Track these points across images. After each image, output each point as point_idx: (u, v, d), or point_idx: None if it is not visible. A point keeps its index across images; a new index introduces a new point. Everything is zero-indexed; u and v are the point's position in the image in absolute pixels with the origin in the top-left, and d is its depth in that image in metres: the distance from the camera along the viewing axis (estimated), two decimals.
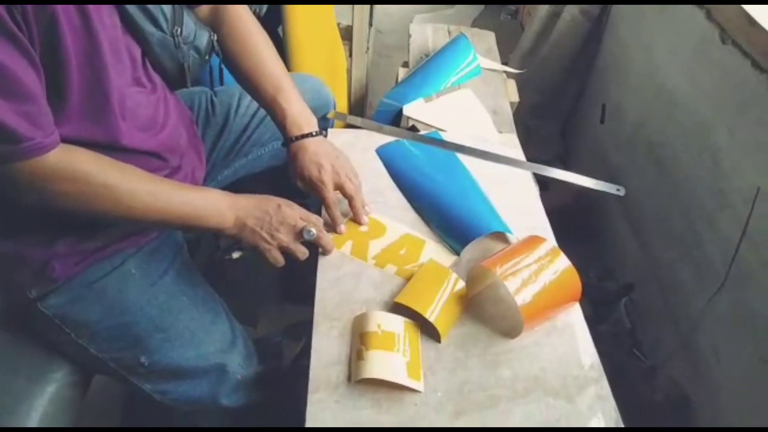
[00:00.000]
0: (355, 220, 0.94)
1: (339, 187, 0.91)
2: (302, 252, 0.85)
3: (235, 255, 0.87)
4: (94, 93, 0.72)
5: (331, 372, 0.74)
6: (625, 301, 1.44)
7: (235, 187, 1.15)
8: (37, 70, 0.64)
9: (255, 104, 1.10)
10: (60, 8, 0.63)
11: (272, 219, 0.81)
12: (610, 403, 0.73)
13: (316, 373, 0.74)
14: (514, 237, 0.92)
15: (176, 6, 0.82)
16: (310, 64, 1.53)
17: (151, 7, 0.78)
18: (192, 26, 0.86)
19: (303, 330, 1.30)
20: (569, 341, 0.80)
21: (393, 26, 2.85)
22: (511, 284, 0.75)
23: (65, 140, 0.70)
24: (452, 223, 0.94)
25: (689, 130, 1.24)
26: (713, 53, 1.15)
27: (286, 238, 0.82)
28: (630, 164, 1.55)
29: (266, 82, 0.92)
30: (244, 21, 0.94)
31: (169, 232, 0.93)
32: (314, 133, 0.92)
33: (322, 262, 0.88)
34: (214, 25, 0.93)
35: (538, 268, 0.77)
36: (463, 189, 1.02)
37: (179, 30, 0.83)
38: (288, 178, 1.00)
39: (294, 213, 0.83)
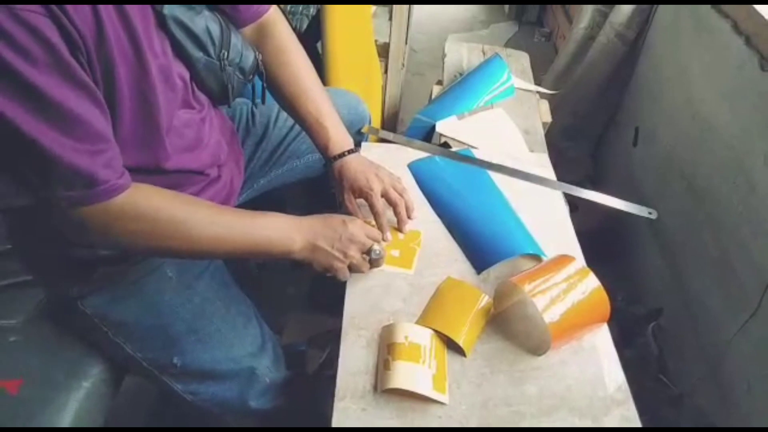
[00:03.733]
0: (398, 227, 0.96)
1: (384, 194, 0.94)
2: (367, 267, 0.85)
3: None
4: (145, 123, 0.73)
5: (358, 380, 0.75)
6: (653, 327, 1.42)
7: (269, 196, 1.18)
8: (105, 114, 0.65)
9: None
10: (114, 42, 0.63)
11: (342, 237, 0.81)
12: (636, 425, 0.72)
13: (342, 381, 0.75)
14: (545, 256, 0.92)
15: (224, 29, 0.83)
16: (347, 79, 1.56)
17: (199, 32, 0.78)
18: (239, 48, 0.86)
19: (327, 340, 1.32)
20: (596, 362, 0.79)
21: (427, 45, 2.89)
22: (539, 302, 0.75)
23: None
24: (481, 240, 0.95)
25: (724, 155, 1.23)
26: (751, 80, 1.14)
27: (357, 254, 0.82)
28: (661, 188, 1.53)
29: (309, 105, 0.94)
30: (286, 45, 0.96)
31: None
32: (353, 150, 0.96)
33: (353, 273, 0.90)
34: (258, 47, 0.94)
35: (567, 287, 0.77)
36: (494, 207, 1.02)
37: (226, 54, 0.83)
38: (320, 188, 1.02)
39: (359, 229, 0.83)
